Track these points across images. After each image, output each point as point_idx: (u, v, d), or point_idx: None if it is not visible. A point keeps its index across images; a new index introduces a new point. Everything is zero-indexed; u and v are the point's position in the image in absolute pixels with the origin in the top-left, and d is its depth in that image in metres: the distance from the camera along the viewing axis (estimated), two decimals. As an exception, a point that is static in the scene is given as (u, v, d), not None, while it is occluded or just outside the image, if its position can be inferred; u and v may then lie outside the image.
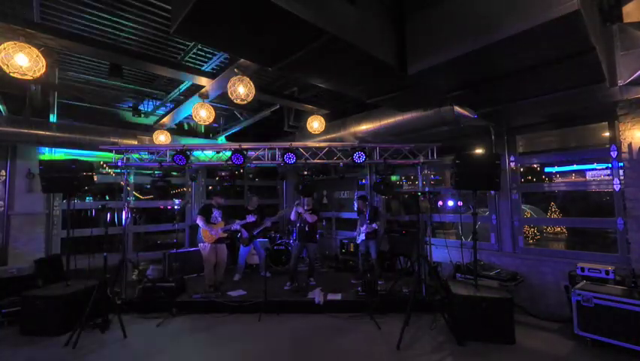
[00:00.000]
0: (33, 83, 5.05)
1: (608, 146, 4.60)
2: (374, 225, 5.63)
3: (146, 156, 5.71)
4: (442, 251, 5.37)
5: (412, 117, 4.96)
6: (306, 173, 5.94)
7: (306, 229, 5.70)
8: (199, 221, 5.39)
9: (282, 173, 7.34)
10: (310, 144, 5.92)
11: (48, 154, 5.97)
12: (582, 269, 4.18)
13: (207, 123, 5.24)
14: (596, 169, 6.32)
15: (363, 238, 5.76)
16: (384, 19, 3.21)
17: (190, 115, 5.38)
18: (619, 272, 4.05)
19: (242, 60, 3.92)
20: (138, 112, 6.76)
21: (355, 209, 6.56)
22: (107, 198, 7.31)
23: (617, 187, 4.47)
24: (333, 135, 6.22)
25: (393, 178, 7.06)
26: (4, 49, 3.05)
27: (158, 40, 4.15)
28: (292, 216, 5.87)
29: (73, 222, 4.69)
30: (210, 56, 4.52)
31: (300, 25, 2.48)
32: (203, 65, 4.73)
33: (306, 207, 5.74)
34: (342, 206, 8.21)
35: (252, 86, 4.14)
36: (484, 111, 4.52)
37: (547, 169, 7.28)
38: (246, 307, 4.86)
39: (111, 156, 5.70)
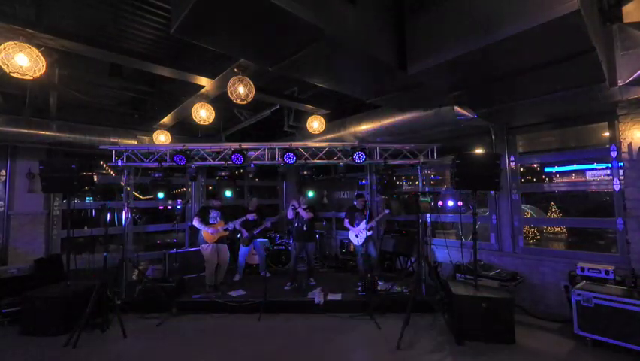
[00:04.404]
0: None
1: (608, 146, 4.60)
2: (373, 222, 5.63)
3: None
4: (442, 251, 5.37)
5: (411, 117, 4.96)
6: (306, 173, 5.95)
7: (304, 228, 5.70)
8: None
9: (282, 173, 7.33)
10: (310, 144, 5.92)
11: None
12: (582, 269, 4.18)
13: (207, 123, 5.24)
14: (596, 169, 6.31)
15: (366, 235, 5.66)
16: (384, 19, 3.21)
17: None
18: (619, 272, 4.05)
19: (242, 60, 3.92)
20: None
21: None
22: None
23: (617, 187, 4.46)
24: (333, 135, 6.21)
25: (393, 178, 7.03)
26: (4, 49, 3.04)
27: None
28: (289, 214, 5.86)
29: (74, 222, 4.68)
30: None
31: (300, 26, 2.48)
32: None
33: (303, 206, 5.75)
34: (342, 206, 8.20)
35: (252, 86, 4.14)
36: (484, 111, 4.52)
37: (547, 169, 7.28)
38: (246, 307, 4.86)
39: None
